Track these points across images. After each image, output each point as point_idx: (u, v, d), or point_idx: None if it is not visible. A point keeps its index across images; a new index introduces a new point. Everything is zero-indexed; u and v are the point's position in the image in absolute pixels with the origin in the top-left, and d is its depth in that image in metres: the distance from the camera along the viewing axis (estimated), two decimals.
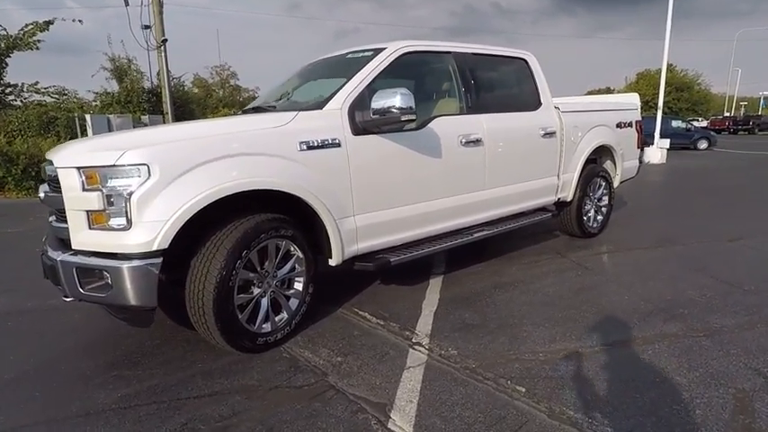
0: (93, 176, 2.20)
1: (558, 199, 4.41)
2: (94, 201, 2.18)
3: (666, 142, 14.91)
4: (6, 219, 7.03)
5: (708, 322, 2.84)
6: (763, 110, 49.75)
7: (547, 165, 4.18)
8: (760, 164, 13.37)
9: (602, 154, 5.00)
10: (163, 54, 13.79)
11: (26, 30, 13.66)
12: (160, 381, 2.32)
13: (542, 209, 4.36)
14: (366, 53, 3.18)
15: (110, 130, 11.53)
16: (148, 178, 2.16)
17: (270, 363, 2.47)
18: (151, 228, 2.17)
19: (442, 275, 3.76)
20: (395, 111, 2.68)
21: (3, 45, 13.53)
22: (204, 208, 2.27)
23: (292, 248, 2.69)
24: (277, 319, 2.66)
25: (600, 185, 4.86)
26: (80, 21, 14.52)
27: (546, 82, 4.22)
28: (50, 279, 2.43)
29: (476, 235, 3.59)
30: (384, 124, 2.80)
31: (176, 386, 2.27)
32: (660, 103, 15.64)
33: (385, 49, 3.13)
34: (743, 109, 50.23)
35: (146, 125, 12.27)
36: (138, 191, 2.15)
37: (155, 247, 2.17)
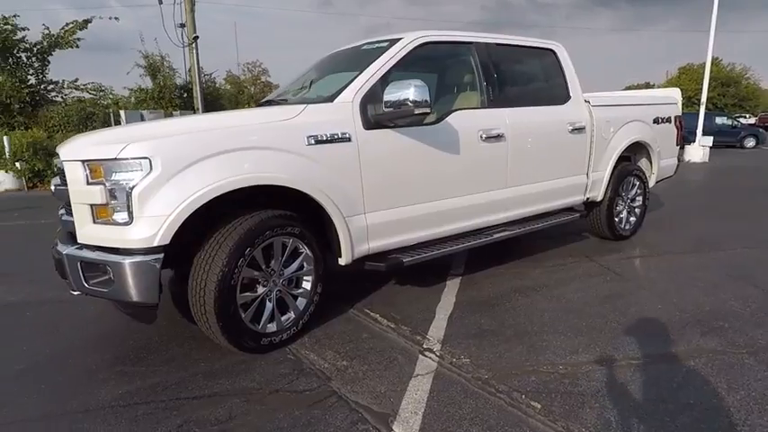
0: (96, 170, 2.17)
1: (587, 198, 4.16)
2: (98, 194, 2.15)
3: (709, 140, 14.10)
4: (42, 210, 7.29)
5: (752, 337, 2.58)
6: None
7: (575, 162, 3.94)
8: None
9: (636, 151, 4.69)
10: (194, 51, 14.07)
11: (67, 28, 14.21)
12: (162, 379, 2.28)
13: (570, 209, 4.12)
14: (381, 44, 3.05)
15: None
16: (150, 172, 2.11)
17: (273, 364, 2.39)
18: (153, 223, 2.12)
19: (459, 277, 3.60)
20: (409, 104, 2.54)
21: (46, 44, 14.12)
22: (209, 203, 2.21)
23: (300, 246, 2.60)
24: (283, 318, 2.58)
25: (633, 185, 4.56)
26: (116, 18, 15.01)
27: (575, 74, 3.97)
28: (59, 272, 2.43)
29: (496, 235, 3.41)
30: (397, 118, 2.67)
31: (177, 385, 2.21)
32: (703, 99, 14.81)
33: (401, 39, 2.99)
34: None
35: None
36: (139, 185, 2.10)
37: (156, 243, 2.12)
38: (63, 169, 2.31)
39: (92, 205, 2.20)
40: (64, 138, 11.48)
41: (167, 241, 2.14)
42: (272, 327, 2.51)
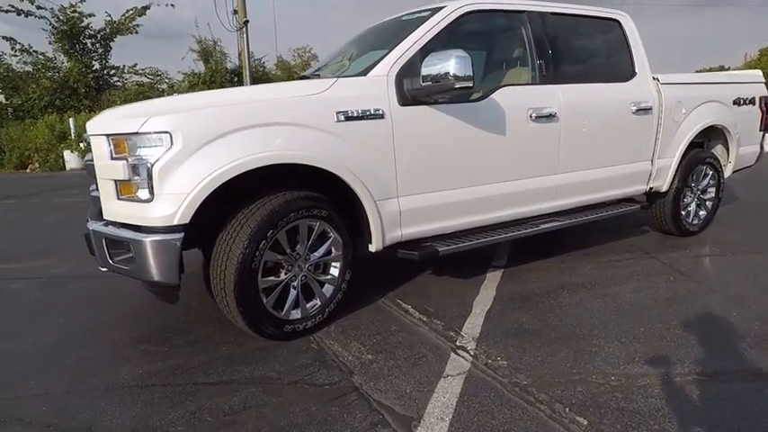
0: (120, 144, 2.10)
1: (650, 188, 3.72)
2: (121, 170, 2.09)
3: None
4: None
5: None
6: None
7: (638, 147, 3.52)
8: None
9: (711, 136, 4.15)
10: (244, 36, 14.29)
11: (127, 15, 14.85)
12: (182, 361, 2.22)
13: (629, 199, 3.71)
14: (422, 13, 2.80)
15: None
16: (171, 147, 2.02)
17: (295, 353, 2.27)
18: (173, 201, 2.03)
19: (501, 270, 3.34)
20: (449, 77, 2.30)
21: (108, 30, 14.85)
22: (234, 182, 2.09)
23: (328, 230, 2.45)
24: (308, 305, 2.45)
25: (705, 174, 4.04)
26: (172, 5, 15.52)
27: (643, 48, 3.52)
28: (88, 249, 2.42)
29: (543, 226, 3.11)
30: (436, 93, 2.43)
31: (196, 369, 2.15)
32: None
33: (444, 7, 2.72)
34: None
35: None
36: (160, 161, 2.02)
37: (176, 222, 2.03)
38: (90, 144, 2.28)
39: (116, 181, 2.15)
40: None
41: (187, 220, 2.05)
42: (295, 314, 2.39)
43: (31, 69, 14.29)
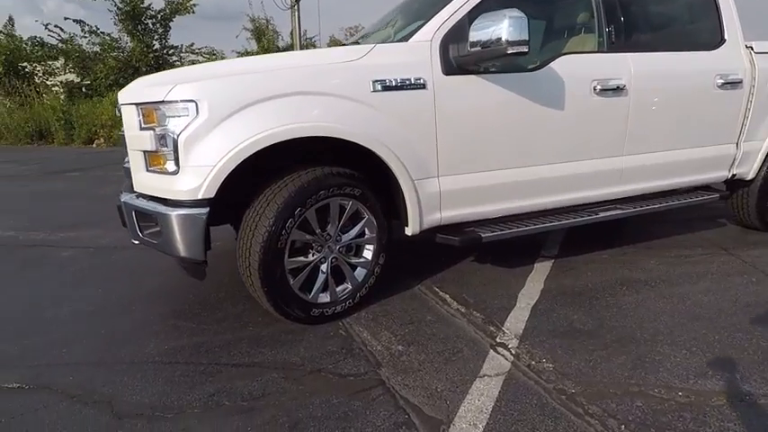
0: (148, 114, 2.03)
1: (733, 176, 3.25)
2: (148, 140, 2.01)
3: None
4: None
5: None
6: None
7: (721, 127, 3.06)
8: None
9: None
10: (296, 14, 14.25)
11: None
12: (208, 339, 2.16)
13: (705, 187, 3.27)
14: None
15: None
16: (196, 117, 1.91)
17: (322, 339, 2.15)
18: (198, 173, 1.94)
19: (551, 260, 3.04)
20: (501, 42, 2.02)
21: (168, 10, 15.31)
22: (263, 155, 1.97)
23: (362, 210, 2.28)
24: (338, 289, 2.31)
25: None
26: None
27: (735, 11, 3.02)
28: (121, 221, 2.40)
29: (602, 214, 2.78)
30: (486, 60, 2.17)
31: (220, 349, 2.08)
32: None
33: None
34: None
35: None
36: (186, 131, 1.92)
37: (200, 195, 1.94)
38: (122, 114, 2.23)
39: (144, 152, 2.09)
40: None
41: (212, 194, 1.95)
42: (324, 297, 2.26)
43: (98, 50, 15.06)
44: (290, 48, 15.41)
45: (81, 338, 2.21)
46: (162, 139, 1.99)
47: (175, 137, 1.93)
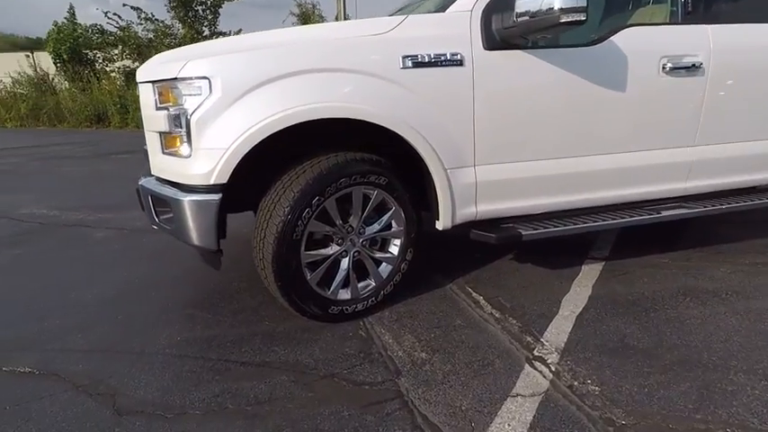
0: (164, 92, 1.91)
1: None
2: (163, 121, 1.90)
3: None
4: None
5: None
6: None
7: None
8: None
9: None
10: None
11: None
12: (221, 332, 2.06)
13: None
14: None
15: None
16: (209, 95, 1.77)
17: (339, 339, 1.99)
18: (210, 157, 1.80)
19: (602, 262, 2.72)
20: (553, 10, 1.73)
21: None
22: (280, 137, 1.80)
23: (389, 201, 2.08)
24: (360, 285, 2.13)
25: None
26: None
27: None
28: (140, 204, 2.33)
29: (665, 213, 2.42)
30: (534, 32, 1.88)
31: (232, 344, 1.96)
32: None
33: None
34: None
35: None
36: (198, 110, 1.78)
37: (212, 181, 1.81)
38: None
39: (160, 133, 1.97)
40: None
41: (225, 180, 1.81)
42: (344, 294, 2.09)
43: (152, 36, 15.59)
44: None
45: (98, 324, 2.16)
46: (176, 119, 1.86)
47: (188, 117, 1.80)
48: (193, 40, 15.34)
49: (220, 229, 1.92)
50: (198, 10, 15.45)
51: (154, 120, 1.97)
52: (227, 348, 1.93)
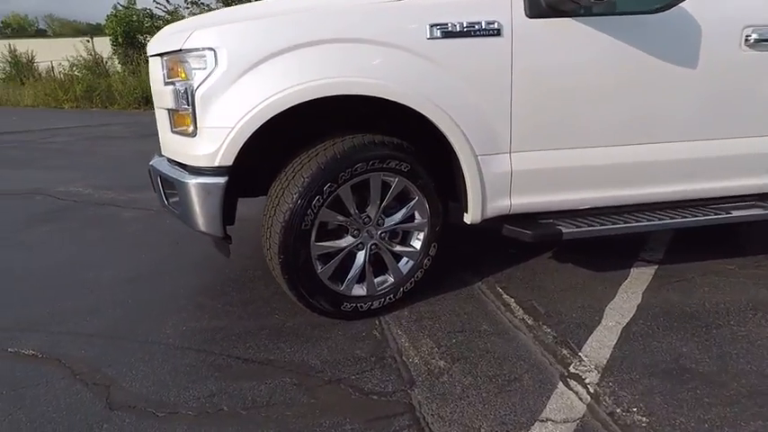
0: (172, 66, 1.78)
1: None
2: (169, 96, 1.77)
3: None
4: None
5: None
6: None
7: None
8: None
9: None
10: None
11: None
12: (227, 324, 1.94)
13: None
14: None
15: None
16: (215, 68, 1.62)
17: (351, 340, 1.82)
18: (215, 136, 1.66)
19: (654, 266, 2.40)
20: None
21: None
22: (294, 115, 1.63)
23: (410, 190, 1.88)
24: (377, 281, 1.95)
25: None
26: None
27: None
28: (152, 185, 2.24)
29: (735, 213, 2.07)
30: None
31: (237, 337, 1.84)
32: None
33: None
34: None
35: None
36: (203, 85, 1.64)
37: (216, 162, 1.67)
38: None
39: (168, 110, 1.85)
40: None
41: (230, 162, 1.66)
42: (359, 290, 1.92)
43: None
44: None
45: (108, 307, 2.11)
46: (183, 95, 1.72)
47: (192, 92, 1.65)
48: None
49: (227, 215, 1.78)
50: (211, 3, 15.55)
51: (162, 96, 1.85)
52: (232, 342, 1.81)
